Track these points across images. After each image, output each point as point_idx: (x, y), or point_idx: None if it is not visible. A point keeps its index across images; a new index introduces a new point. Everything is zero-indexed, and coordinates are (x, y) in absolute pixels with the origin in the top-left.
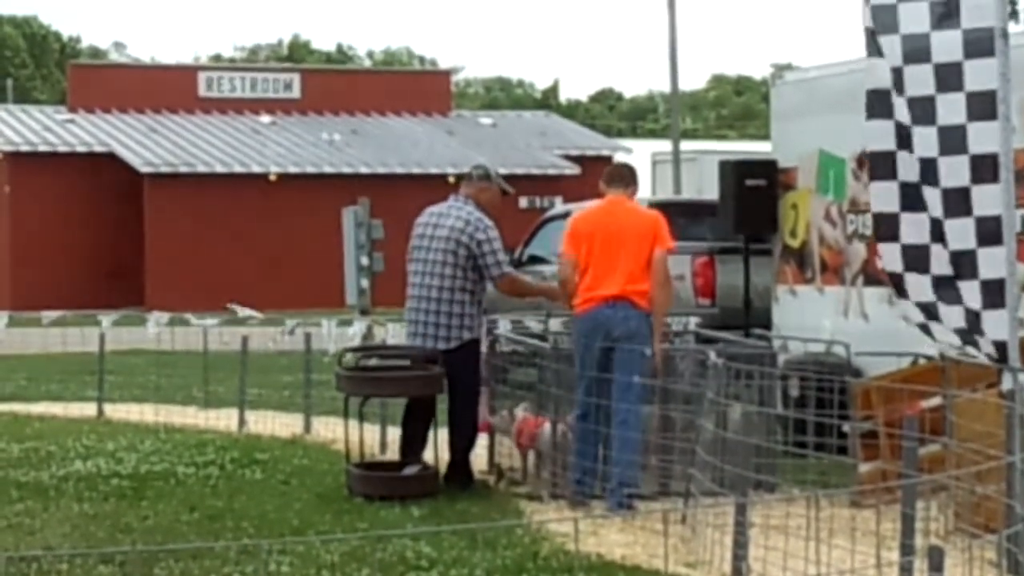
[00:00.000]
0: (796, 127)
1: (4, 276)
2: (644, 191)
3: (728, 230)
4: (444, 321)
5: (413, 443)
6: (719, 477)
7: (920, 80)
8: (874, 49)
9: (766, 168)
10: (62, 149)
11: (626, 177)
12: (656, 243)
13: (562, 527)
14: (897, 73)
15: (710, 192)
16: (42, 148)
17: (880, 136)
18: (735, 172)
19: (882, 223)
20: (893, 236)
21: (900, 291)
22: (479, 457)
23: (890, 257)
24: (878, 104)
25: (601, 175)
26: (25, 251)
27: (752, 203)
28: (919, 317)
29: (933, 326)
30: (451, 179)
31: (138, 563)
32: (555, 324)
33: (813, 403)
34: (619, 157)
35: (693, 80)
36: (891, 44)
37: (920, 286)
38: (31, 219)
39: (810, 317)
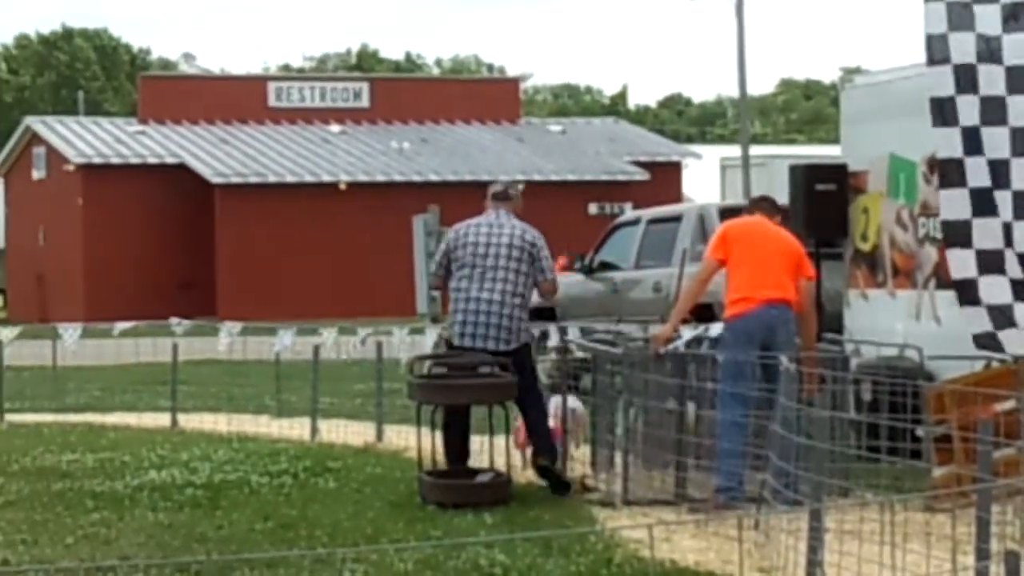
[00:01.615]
0: (866, 131)
1: (77, 287)
2: (713, 196)
3: (799, 234)
4: (506, 324)
5: (455, 451)
6: (793, 483)
7: (992, 80)
8: (936, 55)
9: (836, 172)
10: (134, 160)
11: (771, 208)
12: (801, 269)
13: (635, 533)
14: (970, 71)
15: (780, 196)
16: (114, 160)
17: (947, 143)
18: (805, 176)
19: (952, 230)
20: (965, 242)
21: (967, 299)
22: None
23: (959, 264)
24: (940, 111)
25: (748, 205)
26: (98, 262)
27: (823, 207)
28: (985, 326)
29: (1004, 334)
30: (520, 186)
31: (213, 572)
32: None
33: (886, 407)
34: (689, 163)
35: (762, 85)
36: (964, 42)
37: (996, 288)
38: (103, 230)
39: (882, 321)
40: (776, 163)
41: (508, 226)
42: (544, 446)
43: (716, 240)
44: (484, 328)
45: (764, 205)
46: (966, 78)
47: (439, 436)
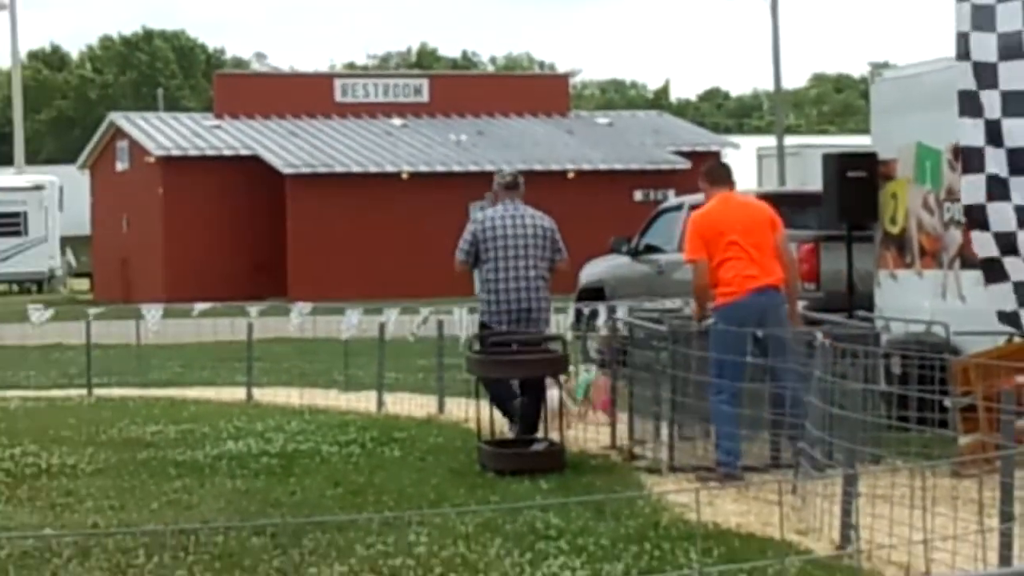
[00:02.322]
0: (895, 121)
1: (158, 271)
2: (751, 184)
3: (831, 219)
4: (544, 305)
5: (530, 420)
6: (827, 450)
7: (1015, 75)
8: (964, 51)
9: (867, 160)
10: (210, 153)
11: (727, 174)
12: (775, 229)
13: (680, 498)
14: (991, 69)
15: (813, 184)
16: (192, 152)
17: (970, 133)
18: (838, 164)
19: (972, 213)
20: (983, 225)
21: (993, 277)
22: (601, 435)
23: (983, 244)
24: (968, 103)
25: (702, 173)
26: (177, 247)
27: (854, 193)
28: (1011, 304)
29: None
30: (570, 175)
31: (288, 535)
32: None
33: (915, 380)
34: (727, 152)
35: (795, 79)
36: (987, 41)
37: (1018, 267)
38: (182, 218)
39: (910, 299)
40: (809, 152)
41: (528, 215)
42: (528, 429)
43: (693, 240)
44: (515, 311)
45: (722, 180)
46: (987, 75)
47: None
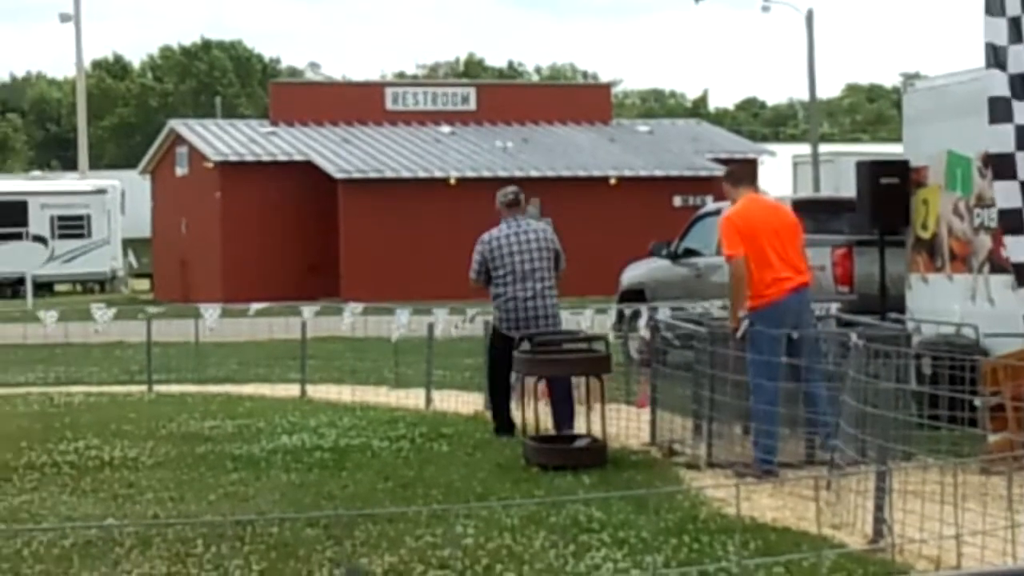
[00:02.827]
0: (926, 130)
1: (216, 272)
2: (786, 190)
3: (865, 224)
4: (553, 311)
5: (567, 415)
6: (860, 447)
7: None
8: (992, 60)
9: (899, 167)
10: (266, 158)
11: (752, 175)
12: (799, 231)
13: (718, 492)
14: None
15: (847, 190)
16: (248, 158)
17: (1002, 139)
18: (871, 171)
19: (1006, 218)
20: (1017, 229)
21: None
22: (642, 431)
23: (1016, 248)
24: (999, 110)
25: (724, 175)
26: (234, 249)
27: (886, 199)
28: None
29: None
30: (612, 181)
31: (340, 526)
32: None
33: (945, 380)
34: (764, 160)
35: (829, 89)
36: (1018, 54)
37: None
38: (239, 221)
39: (941, 302)
40: (843, 160)
41: (531, 230)
42: (564, 416)
43: (731, 237)
44: (530, 319)
45: (747, 181)
46: (1021, 86)
47: (541, 405)
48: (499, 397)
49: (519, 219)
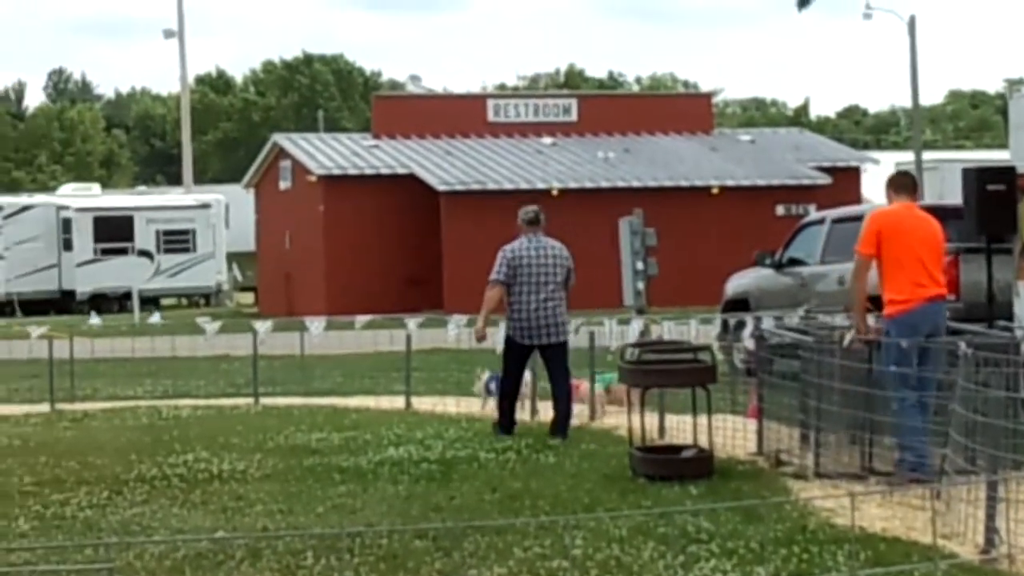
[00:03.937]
0: None
1: (320, 285)
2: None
3: (971, 231)
4: (563, 320)
5: (566, 414)
6: (971, 456)
7: None
8: None
9: (1006, 174)
10: (368, 172)
11: (912, 186)
12: (942, 246)
13: (826, 503)
14: None
15: (951, 197)
16: (351, 171)
17: None
18: (977, 178)
19: None
20: None
21: None
22: (748, 441)
23: None
24: None
25: (887, 181)
26: (337, 262)
27: (993, 206)
28: None
29: None
30: (714, 191)
31: (449, 538)
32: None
33: None
34: (867, 168)
35: (932, 95)
36: None
37: None
38: (342, 234)
39: None
40: (946, 167)
41: (547, 247)
42: (564, 425)
43: (868, 235)
44: (540, 328)
45: (906, 190)
46: None
47: (647, 415)
48: (507, 399)
49: (539, 236)
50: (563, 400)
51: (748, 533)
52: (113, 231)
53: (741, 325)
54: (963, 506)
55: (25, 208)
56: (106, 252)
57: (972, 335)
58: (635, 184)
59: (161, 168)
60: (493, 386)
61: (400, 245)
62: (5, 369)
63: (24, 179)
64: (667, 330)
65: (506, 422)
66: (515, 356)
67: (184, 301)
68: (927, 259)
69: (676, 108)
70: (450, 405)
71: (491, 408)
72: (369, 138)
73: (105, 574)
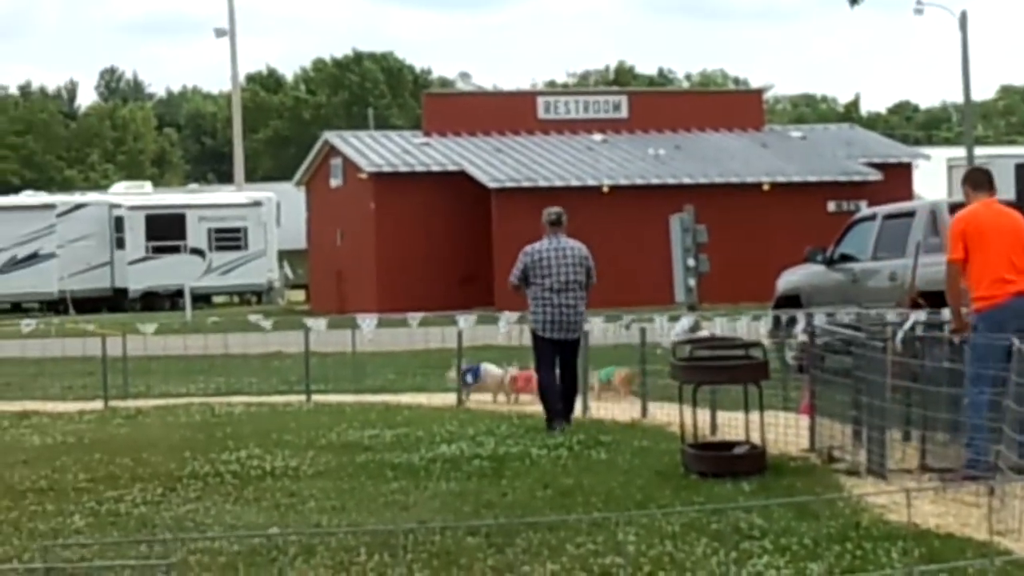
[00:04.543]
0: None
1: (371, 282)
2: (941, 193)
3: None
4: (576, 318)
5: (571, 402)
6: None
7: None
8: None
9: None
10: (419, 169)
11: (990, 181)
12: None
13: (879, 499)
14: None
15: (1004, 193)
16: (402, 169)
17: None
18: None
19: None
20: None
21: None
22: (800, 438)
23: None
24: None
25: (964, 179)
26: (389, 260)
27: None
28: None
29: None
30: (766, 187)
31: (502, 534)
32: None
33: None
34: (918, 164)
35: (983, 91)
36: None
37: None
38: (393, 231)
39: None
40: (999, 163)
41: (568, 247)
42: (567, 413)
43: (954, 240)
44: (562, 324)
45: (984, 186)
46: None
47: (699, 412)
48: (548, 391)
49: (560, 237)
50: (569, 390)
51: (801, 529)
52: (165, 229)
53: (793, 321)
54: (1018, 503)
55: (78, 207)
56: (158, 250)
57: None
58: (686, 181)
59: (212, 166)
60: (470, 378)
61: (450, 242)
62: (59, 367)
63: (76, 178)
64: (718, 326)
65: (553, 414)
66: (544, 350)
67: (236, 299)
68: (1010, 254)
69: (727, 104)
70: (501, 401)
71: (473, 400)
72: (420, 135)
73: (164, 570)
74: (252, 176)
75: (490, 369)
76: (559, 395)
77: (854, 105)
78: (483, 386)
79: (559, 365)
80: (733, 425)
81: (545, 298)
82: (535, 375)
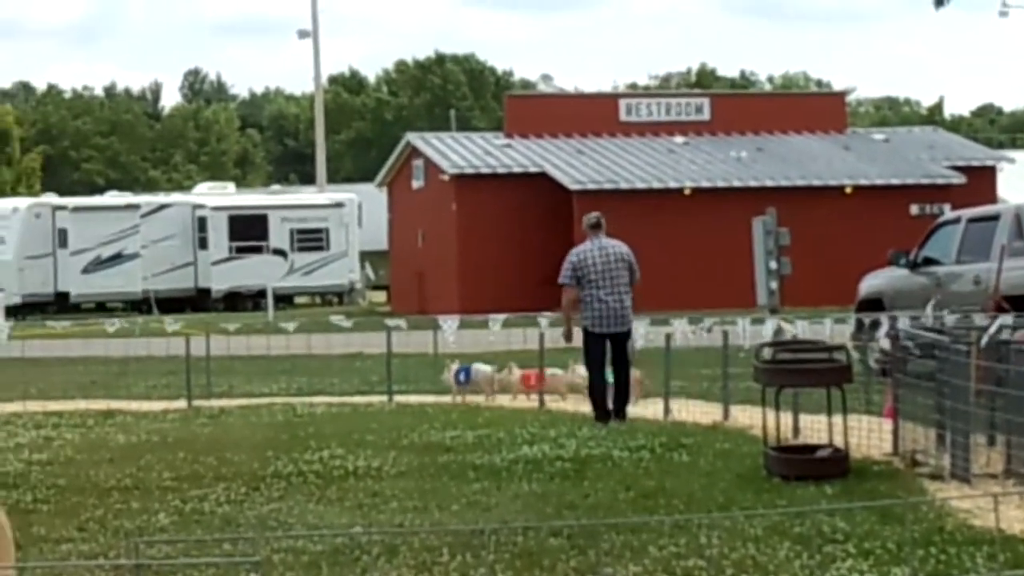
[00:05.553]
0: None
1: (452, 283)
2: None
3: None
4: (623, 313)
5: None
6: None
7: None
8: None
9: None
10: (500, 171)
11: None
12: None
13: (963, 504)
14: None
15: None
16: (483, 170)
17: None
18: None
19: None
20: None
21: None
22: (883, 442)
23: None
24: None
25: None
26: (470, 261)
27: None
28: None
29: None
30: (848, 190)
31: (584, 536)
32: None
33: None
34: (1003, 167)
35: None
36: None
37: None
38: (475, 233)
39: None
40: None
41: (610, 247)
42: (622, 406)
43: None
44: (612, 318)
45: None
46: None
47: (781, 415)
48: (597, 392)
49: (601, 238)
50: (623, 386)
51: (885, 533)
52: (248, 230)
53: (876, 325)
54: None
55: (162, 207)
56: (241, 250)
57: None
58: (768, 183)
59: (294, 167)
60: (462, 377)
61: (532, 243)
62: (143, 366)
63: (160, 178)
64: (801, 329)
65: (601, 413)
66: (594, 349)
67: (317, 299)
68: None
69: (809, 107)
70: (581, 404)
71: (467, 399)
72: (501, 137)
73: (248, 567)
74: (334, 177)
75: (481, 369)
76: (605, 395)
77: (937, 108)
78: (475, 386)
79: (611, 362)
80: (815, 428)
81: (593, 295)
82: (543, 373)
